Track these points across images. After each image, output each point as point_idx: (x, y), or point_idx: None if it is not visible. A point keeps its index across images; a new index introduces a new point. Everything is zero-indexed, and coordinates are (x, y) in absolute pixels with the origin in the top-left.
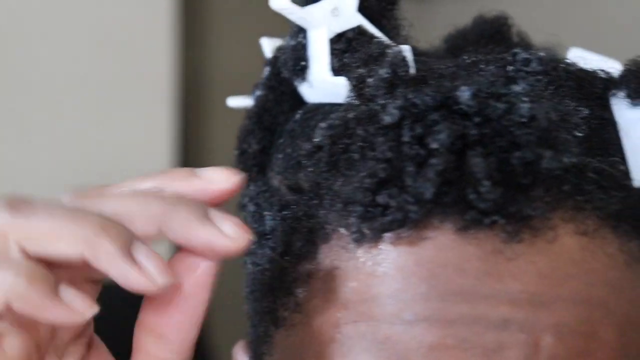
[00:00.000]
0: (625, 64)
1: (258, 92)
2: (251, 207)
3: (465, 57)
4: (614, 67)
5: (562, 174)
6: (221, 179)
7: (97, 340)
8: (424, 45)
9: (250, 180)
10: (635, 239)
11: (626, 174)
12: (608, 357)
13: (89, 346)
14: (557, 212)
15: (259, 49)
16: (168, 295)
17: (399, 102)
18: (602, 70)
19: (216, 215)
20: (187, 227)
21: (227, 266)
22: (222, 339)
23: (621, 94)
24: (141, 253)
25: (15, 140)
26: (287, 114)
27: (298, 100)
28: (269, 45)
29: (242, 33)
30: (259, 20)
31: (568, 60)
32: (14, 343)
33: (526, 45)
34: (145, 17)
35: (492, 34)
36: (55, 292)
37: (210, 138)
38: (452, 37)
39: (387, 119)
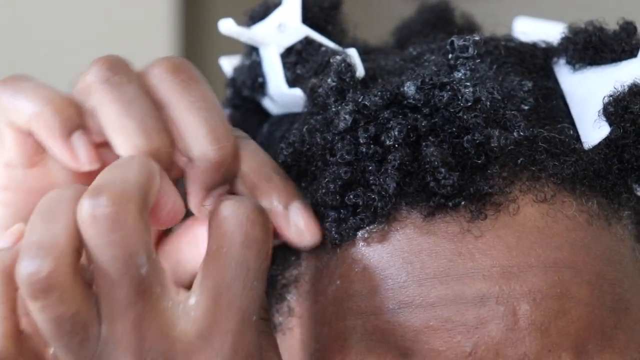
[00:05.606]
0: (562, 31)
1: (226, 111)
2: None
3: (411, 50)
4: (560, 32)
5: (514, 149)
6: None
7: None
8: (373, 41)
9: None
10: (593, 197)
11: (576, 138)
12: (583, 313)
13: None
14: (515, 185)
15: None
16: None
17: (349, 107)
18: (543, 41)
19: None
20: None
21: None
22: None
23: (562, 61)
24: (78, 140)
25: None
26: (255, 128)
27: (263, 114)
28: (228, 64)
29: None
30: None
31: (508, 37)
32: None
33: (471, 26)
34: (145, 18)
35: (436, 21)
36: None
37: None
38: (399, 30)
39: (341, 125)
